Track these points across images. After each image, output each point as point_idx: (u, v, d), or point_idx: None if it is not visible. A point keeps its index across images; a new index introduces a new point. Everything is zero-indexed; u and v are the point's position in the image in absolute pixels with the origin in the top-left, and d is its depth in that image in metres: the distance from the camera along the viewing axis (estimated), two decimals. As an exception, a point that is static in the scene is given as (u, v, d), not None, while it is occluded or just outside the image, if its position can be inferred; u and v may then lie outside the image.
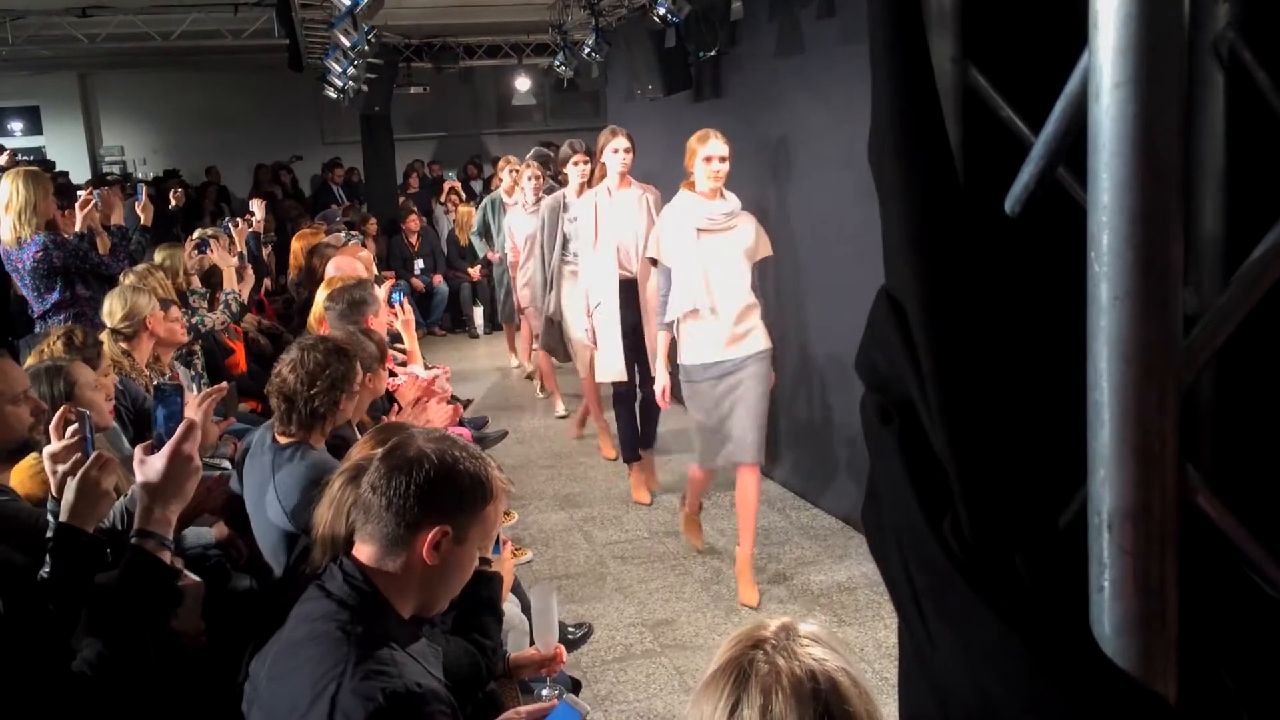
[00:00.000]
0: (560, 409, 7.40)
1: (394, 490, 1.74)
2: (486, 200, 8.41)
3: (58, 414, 2.23)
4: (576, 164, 6.04)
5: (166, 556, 1.98)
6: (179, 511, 2.04)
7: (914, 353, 0.75)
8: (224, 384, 2.84)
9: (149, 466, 1.97)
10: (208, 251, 5.96)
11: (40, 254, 4.66)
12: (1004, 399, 0.71)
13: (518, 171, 7.82)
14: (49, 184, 4.91)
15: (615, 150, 5.34)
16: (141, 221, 5.15)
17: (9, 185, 4.72)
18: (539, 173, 7.26)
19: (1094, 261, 0.59)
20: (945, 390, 0.72)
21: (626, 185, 5.39)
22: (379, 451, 1.89)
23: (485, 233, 8.52)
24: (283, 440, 2.87)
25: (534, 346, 7.82)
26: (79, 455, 2.08)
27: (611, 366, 5.46)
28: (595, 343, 5.49)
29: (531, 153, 7.42)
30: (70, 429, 2.13)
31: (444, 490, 1.76)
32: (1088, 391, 0.62)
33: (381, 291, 4.61)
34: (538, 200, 6.89)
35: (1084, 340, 0.63)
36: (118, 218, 5.33)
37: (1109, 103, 0.57)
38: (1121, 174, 0.57)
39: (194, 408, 2.84)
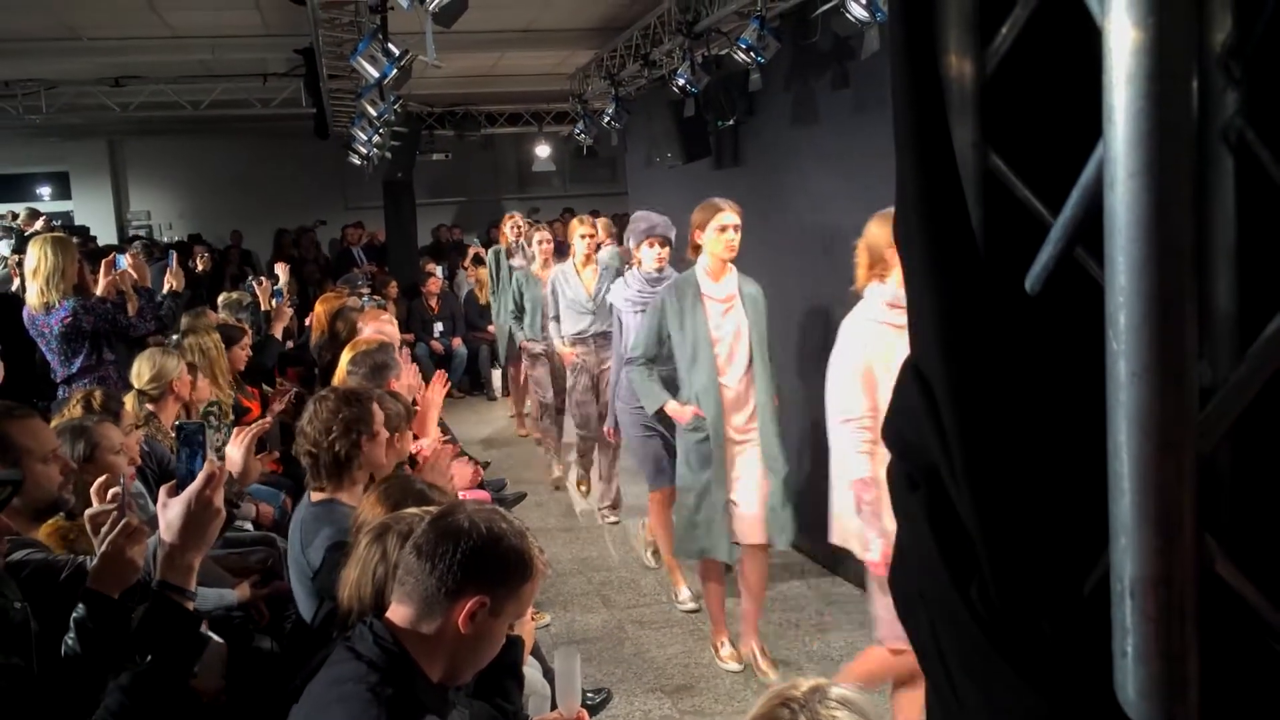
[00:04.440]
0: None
1: (440, 555, 1.76)
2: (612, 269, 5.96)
3: (99, 480, 2.26)
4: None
5: (189, 605, 1.99)
6: (200, 558, 2.04)
7: (940, 423, 0.77)
8: (267, 419, 2.88)
9: (170, 511, 1.98)
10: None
11: (70, 318, 4.74)
12: (1027, 468, 0.74)
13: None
14: (75, 250, 5.00)
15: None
16: (174, 287, 5.23)
17: (36, 251, 4.81)
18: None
19: (1112, 339, 0.62)
20: (970, 459, 0.75)
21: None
22: (410, 512, 1.91)
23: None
24: (316, 498, 2.92)
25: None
26: (115, 517, 2.10)
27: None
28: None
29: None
30: (111, 492, 2.16)
31: (488, 562, 1.79)
32: (1108, 462, 0.65)
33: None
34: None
35: (1103, 411, 0.66)
36: (144, 281, 5.42)
37: (1124, 191, 0.61)
38: (1137, 257, 0.61)
39: (236, 441, 2.89)
